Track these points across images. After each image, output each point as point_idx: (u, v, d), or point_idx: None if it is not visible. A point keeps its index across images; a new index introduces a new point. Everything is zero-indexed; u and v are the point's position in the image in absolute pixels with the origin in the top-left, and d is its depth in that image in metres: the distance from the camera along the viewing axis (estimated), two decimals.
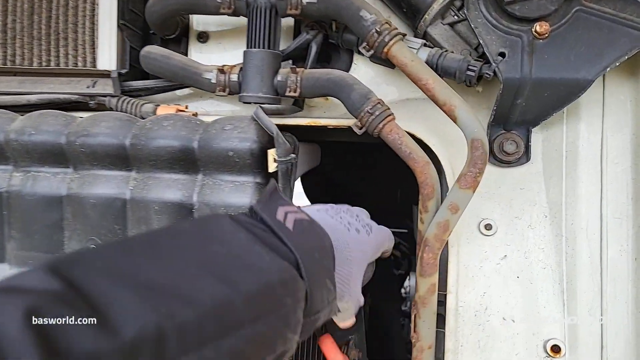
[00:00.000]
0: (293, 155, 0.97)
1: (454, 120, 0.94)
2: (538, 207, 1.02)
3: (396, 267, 3.24)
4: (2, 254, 1.10)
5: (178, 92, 1.24)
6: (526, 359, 0.96)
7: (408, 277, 3.57)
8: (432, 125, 1.05)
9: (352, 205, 0.96)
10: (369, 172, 2.89)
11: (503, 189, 1.03)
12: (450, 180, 1.01)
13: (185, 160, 1.01)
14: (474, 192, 0.93)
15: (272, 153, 0.97)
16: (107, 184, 1.04)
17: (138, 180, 1.04)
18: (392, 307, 2.36)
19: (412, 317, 0.96)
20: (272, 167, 0.97)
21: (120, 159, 1.04)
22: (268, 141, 0.99)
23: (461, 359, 0.96)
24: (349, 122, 1.04)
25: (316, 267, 0.57)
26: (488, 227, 1.01)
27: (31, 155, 1.07)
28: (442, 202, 0.96)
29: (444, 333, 0.98)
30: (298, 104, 1.11)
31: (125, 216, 1.04)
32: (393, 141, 0.96)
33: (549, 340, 0.96)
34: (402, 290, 3.46)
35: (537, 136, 1.04)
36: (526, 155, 1.03)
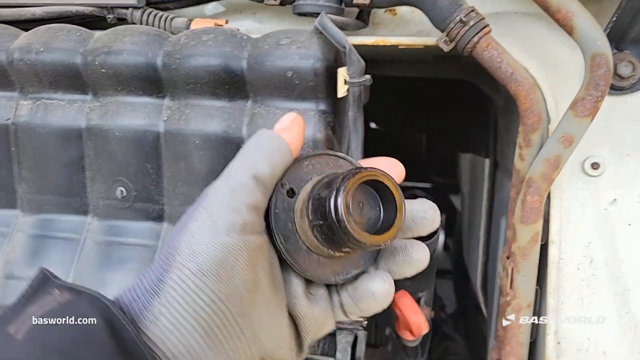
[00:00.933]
0: (368, 77, 0.79)
1: (570, 31, 0.75)
2: None
3: None
4: (12, 199, 0.93)
5: (209, 7, 1.03)
6: (637, 317, 0.81)
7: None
8: (529, 44, 0.86)
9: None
10: (387, 114, 2.71)
11: (614, 120, 0.86)
12: (553, 110, 0.84)
13: (231, 84, 0.83)
14: (592, 120, 0.76)
15: (342, 73, 0.78)
16: (135, 114, 0.86)
17: (173, 109, 0.86)
18: None
19: (507, 271, 0.81)
20: (342, 90, 0.79)
21: (150, 82, 0.85)
22: (335, 59, 0.81)
23: (563, 319, 0.82)
24: (429, 39, 0.86)
25: None
26: (595, 166, 0.84)
27: (40, 79, 0.88)
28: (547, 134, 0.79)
29: (543, 290, 0.83)
30: (362, 18, 0.92)
31: (159, 153, 0.86)
32: (490, 59, 0.78)
33: None
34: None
35: None
36: None
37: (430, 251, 0.54)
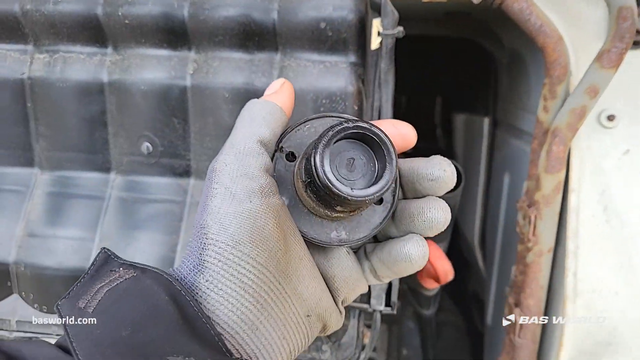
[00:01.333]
0: (400, 28, 0.80)
1: None
2: None
3: None
4: (29, 157, 0.90)
5: None
6: None
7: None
8: None
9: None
10: None
11: (629, 74, 0.89)
12: (573, 64, 0.86)
13: (261, 36, 0.82)
14: (615, 72, 0.79)
15: (376, 24, 0.79)
16: (160, 67, 0.84)
17: (199, 62, 0.84)
18: None
19: (530, 219, 0.84)
20: (375, 42, 0.79)
21: (176, 34, 0.83)
22: (366, 10, 0.81)
23: (580, 262, 0.87)
24: None
25: (118, 347, 0.41)
26: (610, 118, 0.88)
27: (57, 31, 0.85)
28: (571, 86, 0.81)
29: (561, 235, 0.88)
30: None
31: (186, 107, 0.85)
32: (520, 12, 0.79)
33: None
34: None
35: None
36: None
37: (450, 206, 0.52)
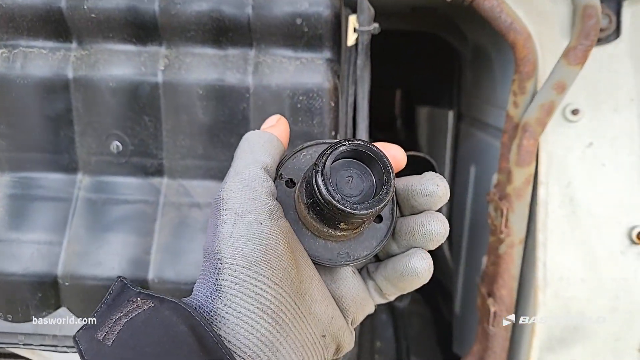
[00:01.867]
0: (376, 25, 0.80)
1: None
2: (625, 90, 0.93)
3: None
4: None
5: None
6: (611, 247, 0.91)
7: None
8: None
9: None
10: None
11: (592, 69, 0.93)
12: (541, 60, 0.89)
13: (235, 31, 0.80)
14: (581, 68, 0.82)
15: (352, 20, 0.78)
16: (130, 63, 0.81)
17: (171, 58, 0.82)
18: None
19: (502, 211, 0.87)
20: (351, 38, 0.79)
21: (145, 29, 0.80)
22: (340, 6, 0.80)
23: (549, 252, 0.90)
24: None
25: None
26: (575, 112, 0.92)
27: (17, 25, 0.80)
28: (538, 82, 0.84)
29: (533, 226, 0.91)
30: None
31: (158, 104, 0.82)
32: (490, 9, 0.81)
33: (634, 227, 0.92)
34: None
35: (627, 11, 0.94)
36: (617, 32, 0.93)
37: None
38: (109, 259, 0.81)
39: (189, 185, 0.85)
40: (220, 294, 0.43)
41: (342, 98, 0.88)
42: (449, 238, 1.50)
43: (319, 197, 0.43)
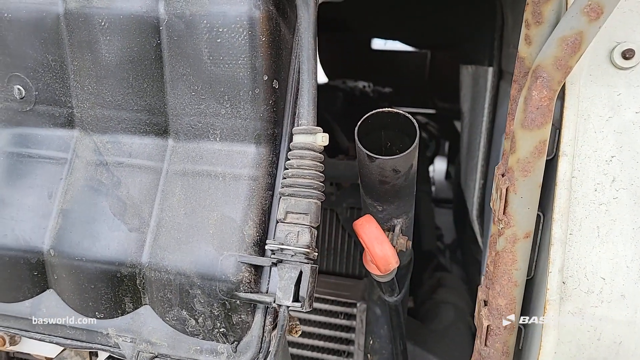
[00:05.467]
0: None
1: None
2: None
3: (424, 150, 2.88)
4: None
5: None
6: None
7: (433, 162, 3.25)
8: None
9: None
10: (395, 34, 2.43)
11: None
12: None
13: None
14: None
15: None
16: None
17: None
18: (423, 191, 2.06)
19: (501, 192, 0.62)
20: None
21: None
22: None
23: (572, 253, 0.64)
24: None
25: None
26: (628, 54, 0.63)
27: None
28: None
29: (547, 216, 0.65)
30: None
31: (61, 40, 0.67)
32: None
33: None
34: (431, 175, 3.16)
35: None
36: None
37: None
38: (3, 223, 0.69)
39: (99, 141, 0.70)
40: None
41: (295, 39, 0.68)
42: (481, 220, 1.24)
43: None
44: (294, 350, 1.28)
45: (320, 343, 1.24)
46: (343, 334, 1.19)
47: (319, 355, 1.25)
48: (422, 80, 2.70)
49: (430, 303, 1.61)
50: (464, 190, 1.33)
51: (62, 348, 0.74)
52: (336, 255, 1.35)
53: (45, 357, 0.78)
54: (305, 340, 1.26)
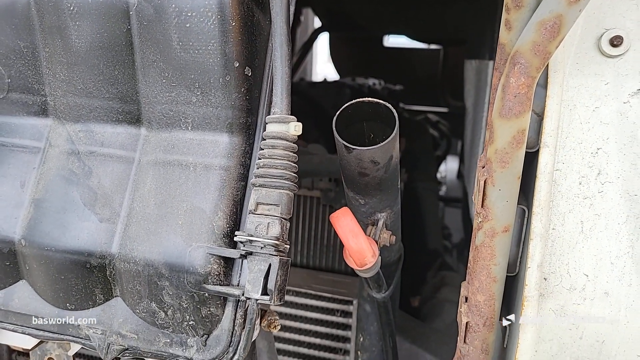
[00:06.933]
0: None
1: None
2: None
3: (434, 149, 2.83)
4: None
5: None
6: None
7: (444, 161, 3.20)
8: None
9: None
10: (405, 29, 2.40)
11: None
12: None
13: None
14: None
15: None
16: None
17: None
18: (429, 189, 2.02)
19: (480, 184, 0.60)
20: None
21: None
22: None
23: (554, 248, 0.62)
24: None
25: None
26: (616, 41, 0.60)
27: None
28: None
29: (529, 209, 0.62)
30: None
31: (32, 26, 0.66)
32: None
33: None
34: (439, 175, 3.10)
35: None
36: None
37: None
38: None
39: (71, 129, 0.69)
40: None
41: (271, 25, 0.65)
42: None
43: None
44: (290, 348, 1.26)
45: (317, 340, 1.23)
46: (340, 332, 1.18)
47: (315, 352, 1.24)
48: (435, 78, 2.66)
49: (433, 302, 1.58)
50: (467, 188, 1.30)
51: (37, 340, 0.74)
52: (335, 252, 1.33)
53: (22, 348, 0.78)
54: (302, 338, 1.25)
